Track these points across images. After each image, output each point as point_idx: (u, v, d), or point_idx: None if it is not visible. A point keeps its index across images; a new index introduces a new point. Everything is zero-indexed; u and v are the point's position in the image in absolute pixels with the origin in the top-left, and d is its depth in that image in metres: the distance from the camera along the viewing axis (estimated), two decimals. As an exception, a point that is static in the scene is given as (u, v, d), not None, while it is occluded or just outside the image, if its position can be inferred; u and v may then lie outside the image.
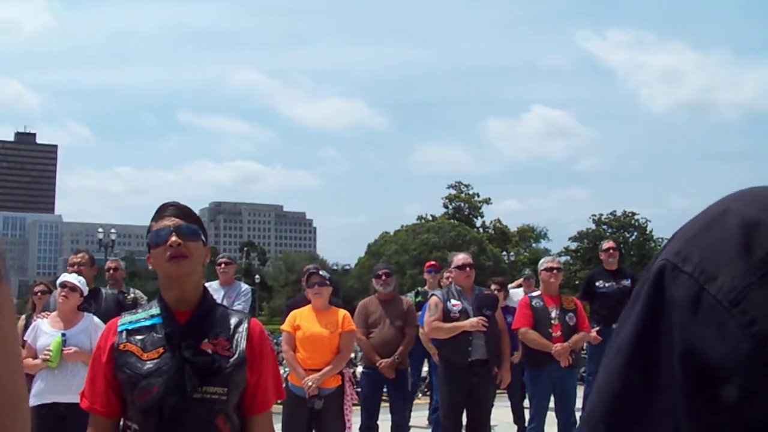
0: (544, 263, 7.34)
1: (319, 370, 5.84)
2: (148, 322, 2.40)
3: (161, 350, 2.33)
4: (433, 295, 7.13)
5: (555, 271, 7.10)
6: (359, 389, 7.54)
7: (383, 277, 7.49)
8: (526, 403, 8.05)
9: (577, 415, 7.51)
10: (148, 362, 2.32)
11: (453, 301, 6.69)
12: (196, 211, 2.62)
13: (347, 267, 66.95)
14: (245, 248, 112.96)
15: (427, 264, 9.86)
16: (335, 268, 64.00)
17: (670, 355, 0.57)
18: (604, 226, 74.19)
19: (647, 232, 74.57)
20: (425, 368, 9.77)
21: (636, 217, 75.00)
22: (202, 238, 2.44)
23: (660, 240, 74.90)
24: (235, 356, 2.34)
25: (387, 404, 7.56)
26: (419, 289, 9.57)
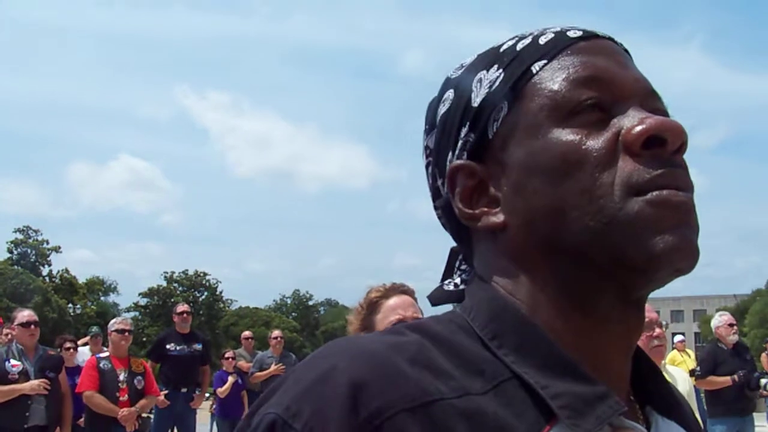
0: (114, 324, 7.20)
1: None
2: None
3: None
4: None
5: (126, 333, 7.03)
6: None
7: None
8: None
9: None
10: None
11: (13, 362, 6.27)
12: None
13: None
14: None
15: None
16: None
17: None
18: (176, 284, 74.45)
19: (217, 292, 76.39)
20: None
21: (208, 277, 76.54)
22: None
23: (229, 301, 77.31)
24: None
25: None
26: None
